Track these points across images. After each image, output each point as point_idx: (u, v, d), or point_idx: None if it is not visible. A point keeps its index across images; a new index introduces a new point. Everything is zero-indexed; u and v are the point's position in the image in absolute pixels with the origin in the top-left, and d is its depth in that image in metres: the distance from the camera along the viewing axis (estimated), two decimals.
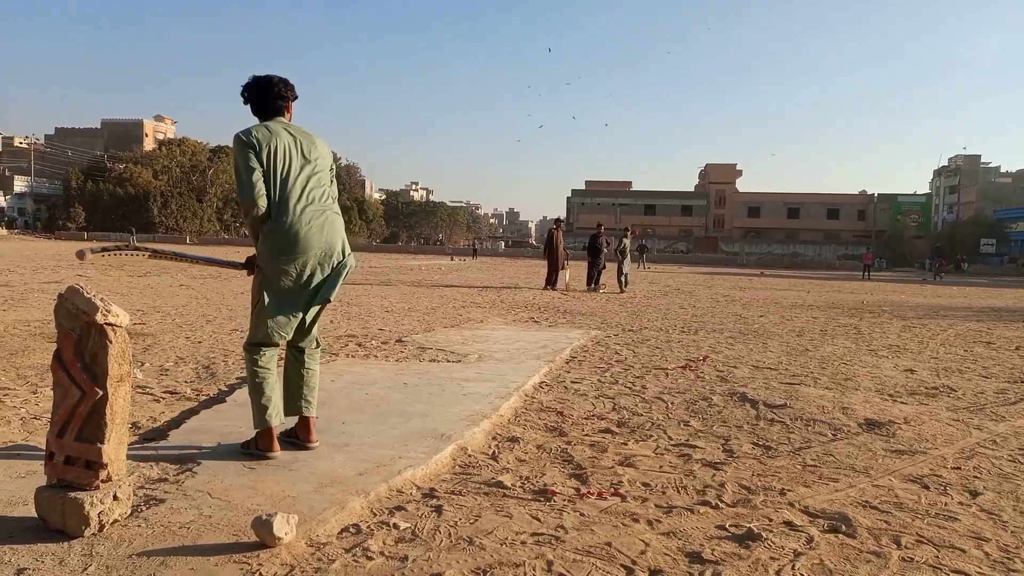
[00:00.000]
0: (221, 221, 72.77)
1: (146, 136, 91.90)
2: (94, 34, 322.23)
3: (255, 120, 3.31)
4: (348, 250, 3.37)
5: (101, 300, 2.35)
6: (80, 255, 3.27)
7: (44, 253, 28.30)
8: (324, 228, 3.22)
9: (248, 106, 3.34)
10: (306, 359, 3.40)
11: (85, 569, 2.14)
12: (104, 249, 3.34)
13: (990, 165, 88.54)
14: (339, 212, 3.39)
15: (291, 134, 3.25)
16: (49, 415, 2.52)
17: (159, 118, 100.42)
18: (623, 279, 17.60)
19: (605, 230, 18.94)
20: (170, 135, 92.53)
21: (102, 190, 66.82)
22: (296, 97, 3.38)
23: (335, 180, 3.46)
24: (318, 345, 3.48)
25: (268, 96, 3.28)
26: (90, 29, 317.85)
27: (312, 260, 3.19)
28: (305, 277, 3.20)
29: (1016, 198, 78.66)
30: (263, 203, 3.09)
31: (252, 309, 3.29)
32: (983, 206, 79.42)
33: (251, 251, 3.33)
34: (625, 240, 18.44)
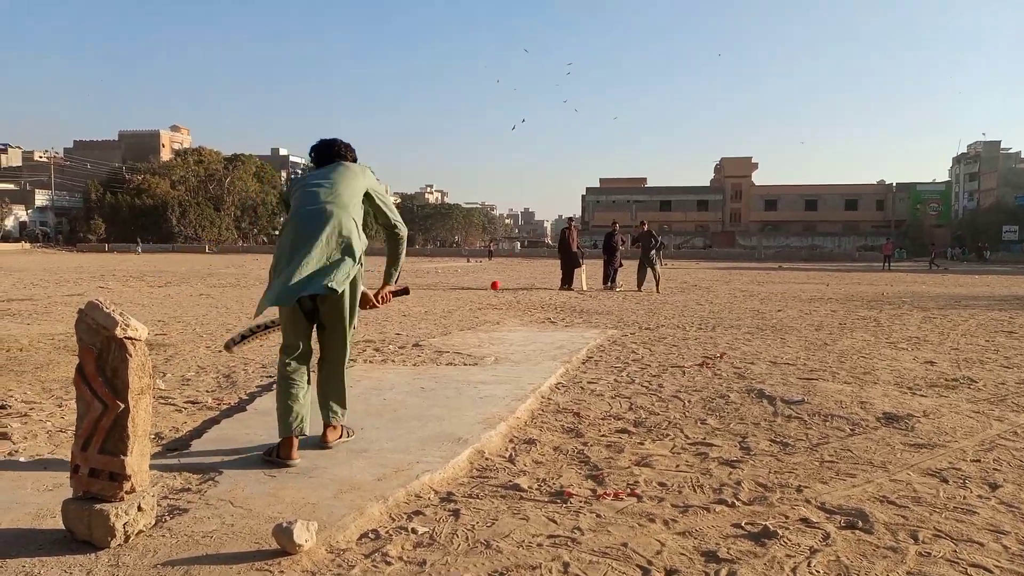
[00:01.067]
0: (239, 229, 73.43)
1: (163, 146, 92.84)
2: (110, 48, 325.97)
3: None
4: (339, 255, 3.27)
5: (120, 315, 2.40)
6: (228, 348, 3.76)
7: (66, 266, 28.72)
8: (311, 235, 3.23)
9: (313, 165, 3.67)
10: (324, 372, 3.52)
11: None
12: (243, 338, 3.76)
13: (1010, 151, 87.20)
14: (346, 223, 3.31)
15: (324, 168, 3.54)
16: (74, 428, 2.58)
17: (175, 128, 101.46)
18: (656, 276, 16.58)
19: (620, 227, 18.88)
20: (186, 144, 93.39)
21: (121, 201, 67.68)
22: (355, 159, 3.67)
23: (373, 202, 3.54)
24: (344, 358, 3.51)
25: (328, 156, 3.61)
26: (105, 43, 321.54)
27: (295, 266, 3.19)
28: (292, 283, 3.18)
29: None
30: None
31: None
32: (1004, 193, 78.29)
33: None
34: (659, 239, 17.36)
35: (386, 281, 3.74)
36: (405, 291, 3.96)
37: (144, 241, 60.77)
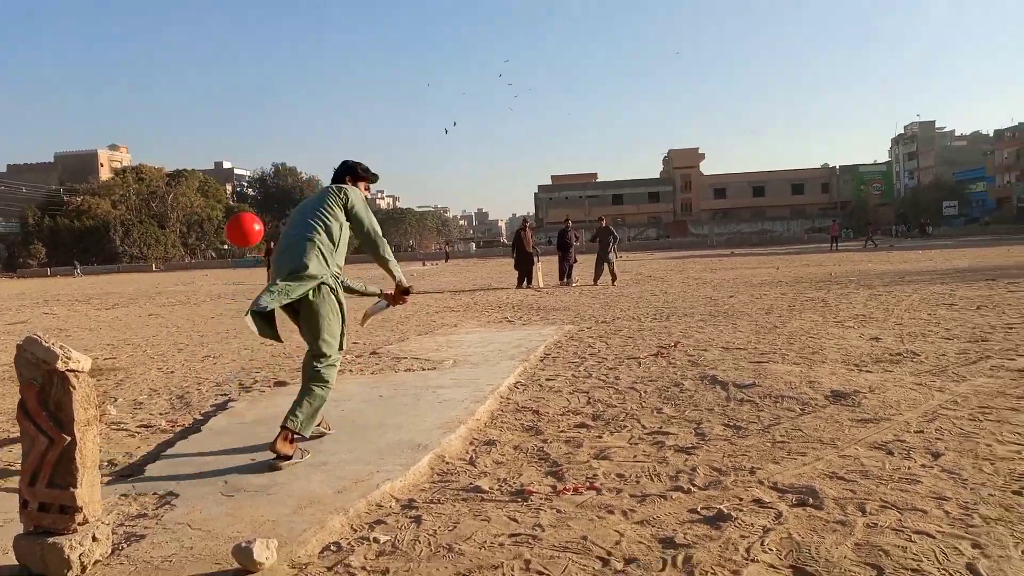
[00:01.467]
0: (186, 245, 71.92)
1: (101, 166, 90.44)
2: (42, 68, 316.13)
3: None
4: (296, 276, 3.59)
5: (60, 347, 2.36)
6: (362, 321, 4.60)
7: (6, 293, 27.77)
8: (282, 255, 3.72)
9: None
10: (302, 379, 3.70)
11: None
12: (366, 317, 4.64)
13: (945, 130, 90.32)
14: (310, 238, 3.69)
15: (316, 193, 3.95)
16: (20, 463, 2.52)
17: (113, 147, 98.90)
18: (612, 270, 16.95)
19: (574, 223, 19.01)
20: (126, 163, 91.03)
21: (60, 224, 65.74)
22: (342, 177, 4.08)
23: (343, 212, 3.88)
24: (314, 369, 3.66)
25: (341, 172, 4.12)
26: (36, 63, 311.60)
27: (268, 286, 3.62)
28: (259, 299, 3.56)
29: (973, 160, 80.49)
30: None
31: None
32: (942, 170, 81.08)
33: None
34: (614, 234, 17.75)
35: (393, 279, 4.25)
36: (407, 292, 4.41)
37: (87, 263, 59.13)
